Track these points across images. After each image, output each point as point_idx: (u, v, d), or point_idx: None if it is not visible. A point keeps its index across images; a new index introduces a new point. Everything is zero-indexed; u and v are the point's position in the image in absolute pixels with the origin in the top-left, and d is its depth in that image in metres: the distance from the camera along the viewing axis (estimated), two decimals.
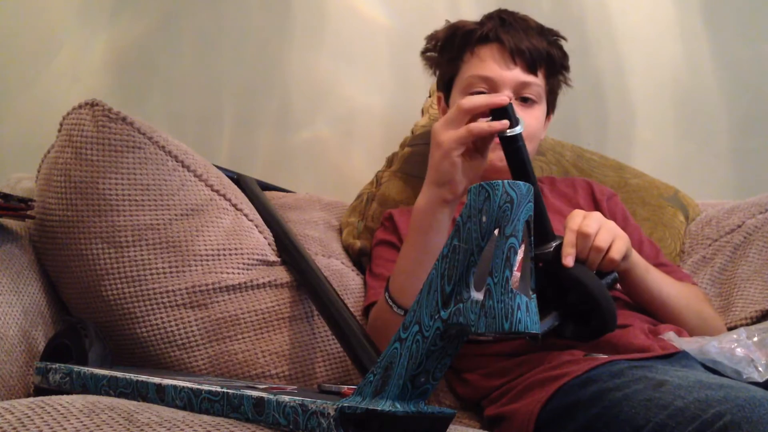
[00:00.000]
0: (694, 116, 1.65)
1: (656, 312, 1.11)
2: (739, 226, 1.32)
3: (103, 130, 1.07)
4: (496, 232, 0.57)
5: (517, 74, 1.18)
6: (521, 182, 0.57)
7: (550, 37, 1.24)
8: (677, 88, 1.66)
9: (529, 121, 1.16)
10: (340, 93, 1.61)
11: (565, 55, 1.26)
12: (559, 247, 0.96)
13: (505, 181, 0.57)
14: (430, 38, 1.31)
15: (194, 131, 1.57)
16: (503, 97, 0.96)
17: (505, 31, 1.20)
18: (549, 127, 1.30)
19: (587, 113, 1.65)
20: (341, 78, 1.61)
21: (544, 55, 1.20)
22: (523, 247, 0.58)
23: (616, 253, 0.98)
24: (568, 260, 0.95)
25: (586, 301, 0.95)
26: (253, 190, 1.29)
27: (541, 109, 1.21)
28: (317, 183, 1.58)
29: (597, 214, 1.01)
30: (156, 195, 1.09)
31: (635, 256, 1.05)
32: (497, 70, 1.18)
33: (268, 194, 1.33)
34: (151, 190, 1.08)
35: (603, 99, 1.66)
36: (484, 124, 0.96)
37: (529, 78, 1.18)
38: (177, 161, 1.12)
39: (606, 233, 0.99)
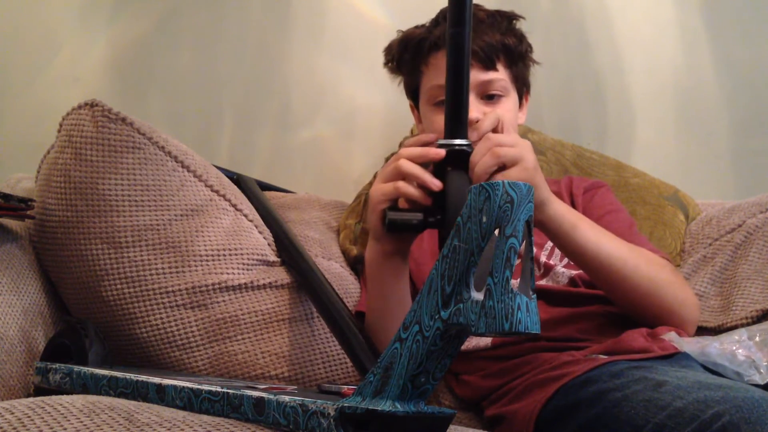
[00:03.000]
0: (694, 116, 1.65)
1: (597, 275, 1.04)
2: (740, 226, 1.32)
3: (103, 131, 1.07)
4: (496, 232, 0.57)
5: (476, 75, 1.13)
6: (521, 182, 0.57)
7: (504, 24, 1.20)
8: (677, 87, 1.65)
9: (502, 114, 1.10)
10: (340, 93, 1.61)
11: (521, 40, 1.22)
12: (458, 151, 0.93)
13: (506, 180, 0.57)
14: (387, 50, 1.29)
15: (194, 131, 1.57)
16: (440, 152, 0.94)
17: None
18: (551, 125, 1.29)
19: (587, 113, 1.65)
20: (341, 78, 1.61)
21: (500, 47, 1.17)
22: (523, 246, 0.58)
23: (503, 176, 0.92)
24: (441, 152, 0.93)
25: (441, 206, 0.92)
26: (253, 190, 1.29)
27: (510, 100, 1.18)
28: (317, 183, 1.58)
29: (523, 140, 0.98)
30: (156, 195, 1.09)
31: (558, 210, 1.00)
32: None
33: (268, 194, 1.33)
34: (151, 190, 1.08)
35: (603, 99, 1.65)
36: (410, 188, 0.95)
37: (488, 75, 1.15)
38: (177, 161, 1.12)
39: (508, 148, 0.94)
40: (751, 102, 1.64)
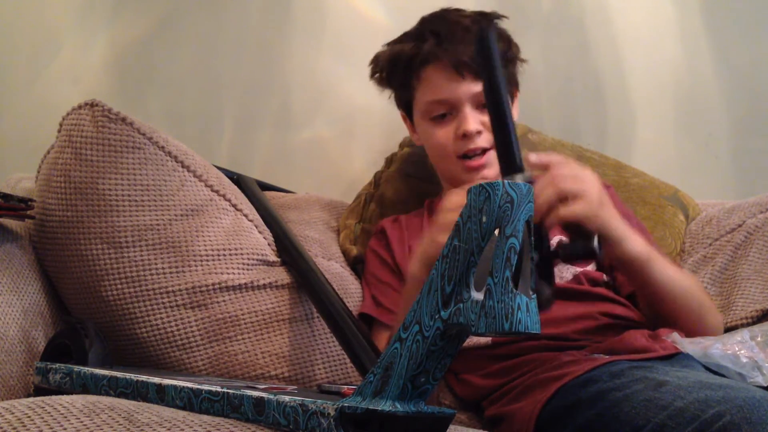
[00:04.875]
0: (694, 116, 1.65)
1: (658, 304, 1.06)
2: (740, 226, 1.32)
3: (103, 131, 1.07)
4: (496, 232, 0.57)
5: (469, 87, 1.15)
6: (521, 183, 0.57)
7: None
8: (677, 88, 1.66)
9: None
10: (340, 93, 1.61)
11: (509, 43, 1.22)
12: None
13: (505, 181, 0.57)
14: (374, 62, 1.30)
15: (194, 131, 1.57)
16: None
17: (443, 48, 1.17)
18: (551, 125, 1.29)
19: (587, 113, 1.65)
20: (341, 78, 1.61)
21: None
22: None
23: (565, 210, 0.88)
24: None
25: None
26: (253, 190, 1.29)
27: None
28: (317, 183, 1.58)
29: (587, 172, 0.93)
30: (156, 195, 1.09)
31: (635, 247, 0.98)
32: (449, 91, 1.17)
33: (268, 194, 1.34)
34: (151, 190, 1.08)
35: (603, 99, 1.65)
36: None
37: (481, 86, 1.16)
38: (177, 161, 1.12)
39: (571, 181, 0.89)
40: (751, 102, 1.64)
